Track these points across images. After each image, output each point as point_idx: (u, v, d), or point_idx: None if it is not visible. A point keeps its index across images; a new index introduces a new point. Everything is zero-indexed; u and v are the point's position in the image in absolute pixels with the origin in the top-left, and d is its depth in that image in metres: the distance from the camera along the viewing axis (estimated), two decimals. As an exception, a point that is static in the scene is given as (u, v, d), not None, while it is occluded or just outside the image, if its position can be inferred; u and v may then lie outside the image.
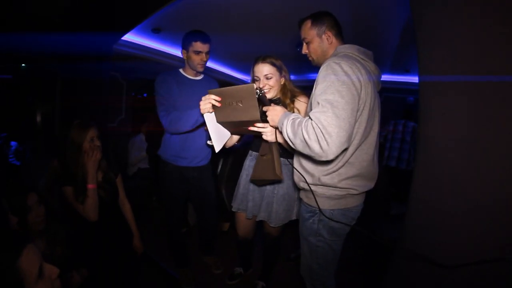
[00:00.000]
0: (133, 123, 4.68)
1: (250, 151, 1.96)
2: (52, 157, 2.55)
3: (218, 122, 1.47)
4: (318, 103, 1.09)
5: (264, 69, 1.61)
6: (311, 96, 1.25)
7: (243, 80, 6.24)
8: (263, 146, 1.56)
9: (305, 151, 1.11)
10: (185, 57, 1.99)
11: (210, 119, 1.46)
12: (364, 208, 1.41)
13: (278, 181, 1.65)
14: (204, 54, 1.93)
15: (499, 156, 0.97)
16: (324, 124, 1.03)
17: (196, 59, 1.93)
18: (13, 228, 1.23)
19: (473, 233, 1.04)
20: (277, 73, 1.63)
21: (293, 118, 1.18)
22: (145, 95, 5.66)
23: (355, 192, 1.29)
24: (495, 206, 0.98)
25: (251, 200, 1.86)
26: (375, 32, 3.40)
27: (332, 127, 1.02)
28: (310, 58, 1.42)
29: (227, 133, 1.57)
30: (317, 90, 1.14)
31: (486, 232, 1.01)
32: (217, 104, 1.37)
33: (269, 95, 1.64)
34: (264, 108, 1.38)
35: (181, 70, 2.08)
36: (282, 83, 1.68)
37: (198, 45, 1.89)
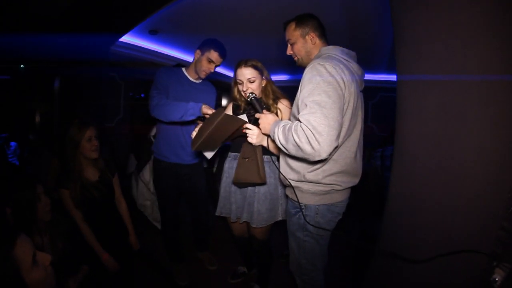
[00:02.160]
0: (131, 123, 4.73)
1: (229, 153, 1.93)
2: (52, 156, 2.60)
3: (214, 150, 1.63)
4: (306, 105, 1.12)
5: (247, 73, 1.65)
6: (296, 98, 1.28)
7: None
8: (246, 148, 1.60)
9: (299, 154, 1.13)
10: (196, 58, 2.00)
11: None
12: (357, 207, 1.45)
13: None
14: (214, 66, 1.97)
15: (473, 153, 1.01)
16: (314, 124, 1.06)
17: (205, 66, 1.96)
18: (7, 219, 1.26)
19: (449, 229, 1.07)
20: (259, 76, 1.68)
21: (284, 125, 1.22)
22: (142, 95, 5.71)
23: (339, 187, 1.33)
24: (470, 203, 1.01)
25: (233, 203, 1.84)
26: (371, 32, 3.44)
27: (322, 126, 1.05)
28: (295, 59, 1.47)
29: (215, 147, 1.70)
30: (304, 92, 1.17)
31: (461, 228, 1.04)
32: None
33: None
34: (257, 115, 1.42)
35: (183, 70, 2.12)
36: (263, 85, 1.74)
37: (215, 55, 1.93)
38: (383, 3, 2.63)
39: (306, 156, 1.11)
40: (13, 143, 4.37)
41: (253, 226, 1.77)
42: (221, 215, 1.91)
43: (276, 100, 1.74)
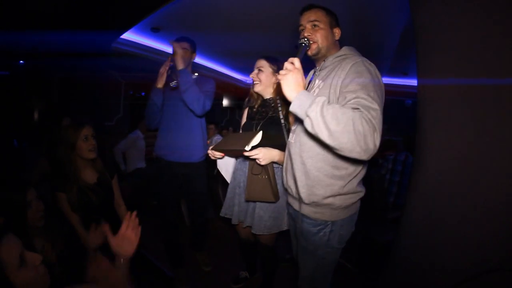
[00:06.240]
0: (131, 122, 4.67)
1: None
2: (40, 156, 2.51)
3: (214, 149, 1.60)
4: (360, 96, 0.98)
5: (259, 63, 1.73)
6: (335, 84, 1.11)
7: (240, 80, 6.25)
8: (255, 164, 1.54)
9: (345, 147, 0.92)
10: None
11: (220, 162, 1.79)
12: (363, 213, 1.39)
13: None
14: (181, 50, 1.97)
15: (498, 161, 0.96)
16: (377, 119, 0.93)
17: (174, 56, 2.01)
18: None
19: (470, 240, 1.03)
20: (269, 69, 1.71)
21: (326, 102, 0.96)
22: (143, 94, 5.64)
23: (362, 195, 1.26)
24: (493, 213, 0.98)
25: (236, 205, 1.80)
26: (374, 35, 3.41)
27: (379, 124, 0.94)
28: (313, 44, 1.25)
29: (232, 169, 1.82)
30: (355, 83, 1.02)
31: (482, 239, 1.00)
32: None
33: (256, 88, 1.73)
34: (280, 75, 1.06)
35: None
36: (274, 81, 1.72)
37: (173, 44, 2.00)
38: (387, 5, 2.60)
39: (358, 150, 0.91)
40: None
41: (253, 232, 1.72)
42: (226, 216, 1.87)
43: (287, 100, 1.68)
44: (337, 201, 1.17)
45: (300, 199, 1.24)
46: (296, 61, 1.04)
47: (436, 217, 1.14)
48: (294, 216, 1.39)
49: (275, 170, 1.65)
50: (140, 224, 1.08)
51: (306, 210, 1.26)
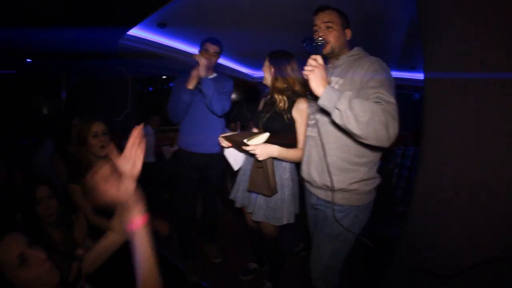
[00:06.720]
0: (139, 117, 4.71)
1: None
2: (54, 154, 2.54)
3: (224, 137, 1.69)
4: (380, 92, 1.09)
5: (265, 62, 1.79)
6: (356, 81, 1.21)
7: (248, 74, 6.22)
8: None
9: (370, 136, 1.02)
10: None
11: (227, 151, 1.83)
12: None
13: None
14: (211, 53, 2.15)
15: (503, 154, 0.97)
16: (395, 111, 1.06)
17: (204, 55, 2.11)
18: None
19: (477, 233, 1.04)
20: (266, 63, 1.76)
21: (355, 97, 1.05)
22: (150, 89, 5.68)
23: (379, 181, 1.34)
24: (498, 207, 0.98)
25: (240, 191, 1.91)
26: (382, 29, 3.36)
27: (397, 115, 1.06)
28: (327, 46, 1.31)
29: (241, 158, 1.88)
30: (374, 80, 1.15)
31: (490, 231, 1.01)
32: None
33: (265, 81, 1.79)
34: (306, 71, 1.09)
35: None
36: (269, 74, 1.74)
37: (206, 44, 2.17)
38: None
39: (381, 138, 1.03)
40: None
41: (252, 218, 1.81)
42: (233, 199, 1.97)
43: (286, 93, 1.68)
44: (361, 186, 1.28)
45: (326, 188, 1.34)
46: (319, 58, 1.08)
47: (441, 211, 1.15)
48: (317, 205, 1.46)
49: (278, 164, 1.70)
50: (152, 217, 1.07)
51: (332, 197, 1.32)
